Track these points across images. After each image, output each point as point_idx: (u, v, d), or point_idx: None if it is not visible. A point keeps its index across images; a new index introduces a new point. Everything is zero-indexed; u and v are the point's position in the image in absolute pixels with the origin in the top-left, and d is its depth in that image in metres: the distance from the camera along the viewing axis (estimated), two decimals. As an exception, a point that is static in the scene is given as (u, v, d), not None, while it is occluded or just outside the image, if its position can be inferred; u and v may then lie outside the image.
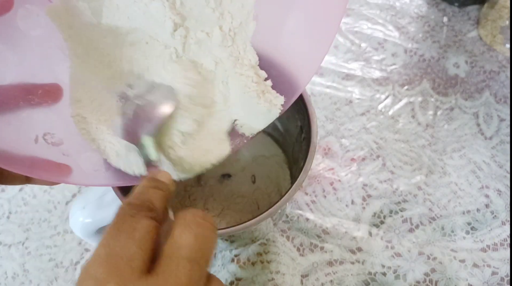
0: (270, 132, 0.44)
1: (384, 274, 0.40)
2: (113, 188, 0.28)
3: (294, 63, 0.28)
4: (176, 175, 0.26)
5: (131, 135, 0.25)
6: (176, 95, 0.26)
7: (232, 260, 0.41)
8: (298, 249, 0.42)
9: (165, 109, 0.25)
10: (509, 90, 0.50)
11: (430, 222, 0.43)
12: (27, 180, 0.26)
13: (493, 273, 0.40)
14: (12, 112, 0.24)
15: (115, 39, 0.26)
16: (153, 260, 0.17)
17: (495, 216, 0.43)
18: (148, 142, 0.24)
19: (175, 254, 0.16)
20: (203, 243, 0.17)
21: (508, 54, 0.53)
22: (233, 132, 0.28)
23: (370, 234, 0.42)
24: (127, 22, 0.26)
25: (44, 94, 0.24)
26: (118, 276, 0.15)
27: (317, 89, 0.51)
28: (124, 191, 0.28)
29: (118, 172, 0.27)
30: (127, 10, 0.25)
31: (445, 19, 0.56)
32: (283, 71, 0.28)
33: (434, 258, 0.41)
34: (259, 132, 0.28)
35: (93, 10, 0.25)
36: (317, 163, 0.46)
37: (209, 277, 0.18)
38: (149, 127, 0.25)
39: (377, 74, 0.52)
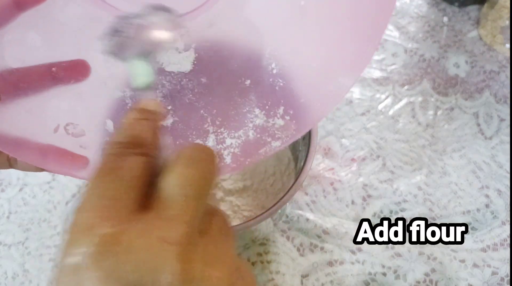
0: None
1: (384, 274, 0.40)
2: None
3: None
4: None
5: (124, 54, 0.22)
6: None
7: (232, 260, 0.41)
8: (298, 249, 0.42)
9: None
10: (509, 90, 0.50)
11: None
12: (10, 165, 0.25)
13: (493, 273, 0.40)
14: (38, 95, 0.23)
15: None
16: (148, 195, 0.16)
17: (495, 216, 0.43)
18: (144, 63, 0.21)
19: (176, 191, 0.16)
20: (204, 178, 0.17)
21: (508, 54, 0.53)
22: None
23: (370, 234, 0.42)
24: None
25: (69, 68, 0.23)
26: (110, 219, 0.15)
27: (317, 89, 0.51)
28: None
29: None
30: None
31: (445, 19, 0.56)
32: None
33: (434, 258, 0.41)
34: None
35: None
36: (317, 163, 0.46)
37: (213, 211, 0.17)
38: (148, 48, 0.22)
39: (377, 74, 0.52)
